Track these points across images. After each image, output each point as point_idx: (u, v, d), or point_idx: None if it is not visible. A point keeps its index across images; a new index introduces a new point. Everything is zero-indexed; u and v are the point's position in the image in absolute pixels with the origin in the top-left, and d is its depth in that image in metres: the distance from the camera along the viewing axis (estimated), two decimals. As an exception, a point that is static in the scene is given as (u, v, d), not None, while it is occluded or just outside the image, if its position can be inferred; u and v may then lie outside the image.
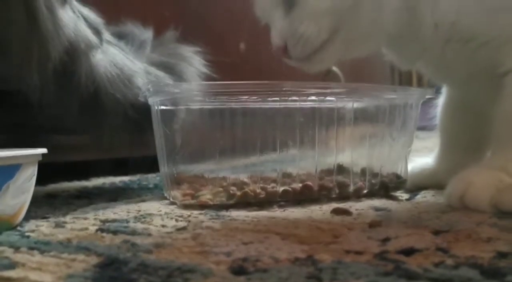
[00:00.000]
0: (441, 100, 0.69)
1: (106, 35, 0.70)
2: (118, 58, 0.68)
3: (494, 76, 0.53)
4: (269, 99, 0.59)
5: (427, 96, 0.67)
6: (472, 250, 0.37)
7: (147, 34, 0.83)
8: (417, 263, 0.34)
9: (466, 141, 0.66)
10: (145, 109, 0.64)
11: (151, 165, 0.79)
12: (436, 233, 0.42)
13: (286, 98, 0.59)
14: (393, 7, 0.55)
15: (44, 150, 0.52)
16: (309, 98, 0.60)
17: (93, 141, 0.71)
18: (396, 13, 0.56)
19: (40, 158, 0.52)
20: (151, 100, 0.62)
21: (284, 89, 0.58)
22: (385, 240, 0.41)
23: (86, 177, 0.89)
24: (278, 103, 0.59)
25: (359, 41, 0.59)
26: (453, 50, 0.55)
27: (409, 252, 0.37)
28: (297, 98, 0.59)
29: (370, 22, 0.56)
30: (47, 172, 0.61)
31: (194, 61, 0.81)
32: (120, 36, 0.77)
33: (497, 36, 0.53)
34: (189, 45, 0.83)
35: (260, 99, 0.58)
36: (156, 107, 0.61)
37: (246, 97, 0.58)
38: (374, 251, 0.37)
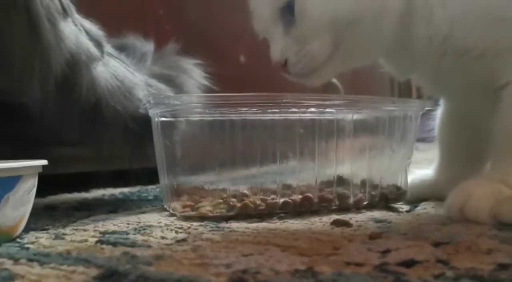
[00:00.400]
0: (439, 112, 0.69)
1: (107, 47, 0.70)
2: (119, 70, 0.69)
3: (490, 89, 0.53)
4: (269, 111, 0.59)
5: (427, 108, 0.67)
6: (472, 262, 0.37)
7: (148, 46, 0.84)
8: (417, 275, 0.34)
9: (465, 152, 0.66)
10: (145, 121, 0.64)
11: (151, 177, 0.80)
12: (436, 245, 0.42)
13: (286, 110, 0.59)
14: (391, 21, 0.56)
15: (44, 162, 0.52)
16: (308, 110, 0.60)
17: (93, 153, 0.71)
18: (393, 27, 0.56)
19: (41, 170, 0.52)
20: (151, 112, 0.62)
21: (283, 101, 0.58)
22: (385, 252, 0.40)
23: (86, 188, 0.89)
24: (278, 115, 0.60)
25: (358, 54, 0.59)
26: (448, 63, 0.55)
27: (409, 264, 0.37)
28: (296, 110, 0.59)
29: (369, 36, 0.56)
30: (47, 183, 0.61)
31: (194, 74, 0.81)
32: (121, 48, 0.77)
33: (491, 49, 0.53)
34: (190, 58, 0.84)
35: (260, 111, 0.59)
36: (156, 119, 0.61)
37: (246, 109, 0.58)
38: (374, 263, 0.37)
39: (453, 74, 0.57)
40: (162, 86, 0.75)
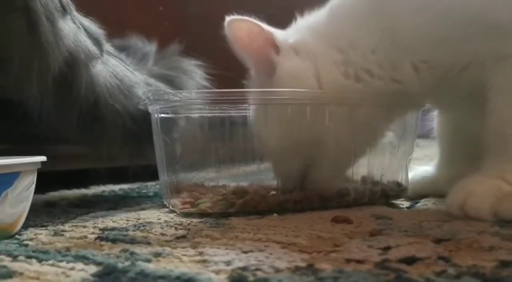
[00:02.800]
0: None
1: (107, 46, 0.70)
2: (119, 69, 0.68)
3: (478, 97, 0.54)
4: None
5: (427, 105, 0.67)
6: (474, 259, 0.36)
7: (150, 47, 0.85)
8: (418, 272, 0.34)
9: (465, 149, 0.65)
10: (145, 120, 0.64)
11: (150, 174, 0.79)
12: (438, 241, 0.42)
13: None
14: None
15: (43, 158, 0.52)
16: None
17: (92, 150, 0.71)
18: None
19: (39, 166, 0.52)
20: (151, 108, 0.62)
21: (284, 97, 0.58)
22: (386, 248, 0.40)
23: (86, 185, 0.89)
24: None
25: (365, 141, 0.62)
26: (436, 80, 0.56)
27: (410, 260, 0.37)
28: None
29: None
30: (47, 180, 0.60)
31: (195, 75, 0.82)
32: (122, 48, 0.78)
33: (475, 59, 0.53)
34: (191, 59, 0.84)
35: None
36: (156, 115, 0.61)
37: (246, 105, 0.58)
38: (375, 260, 0.37)
39: (442, 89, 0.57)
40: (161, 86, 0.75)
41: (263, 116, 0.59)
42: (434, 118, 0.70)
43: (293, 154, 0.59)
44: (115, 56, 0.71)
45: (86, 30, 0.66)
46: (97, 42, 0.67)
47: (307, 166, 0.60)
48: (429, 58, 0.55)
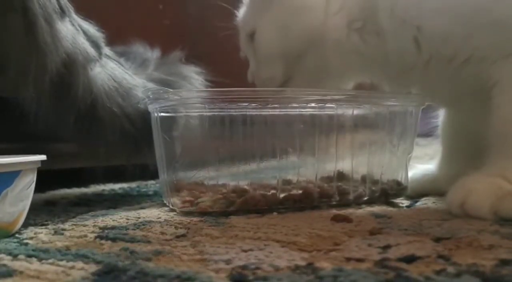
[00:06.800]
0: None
1: (105, 49, 0.70)
2: (117, 72, 0.69)
3: (481, 95, 0.54)
4: (269, 106, 0.59)
5: (427, 103, 0.67)
6: (473, 258, 0.36)
7: (151, 53, 0.85)
8: (418, 271, 0.34)
9: (467, 149, 0.65)
10: (142, 122, 0.64)
11: (148, 174, 0.80)
12: (437, 240, 0.42)
13: (286, 105, 0.59)
14: (338, 50, 0.61)
15: (43, 157, 0.52)
16: (309, 105, 0.60)
17: (89, 151, 0.71)
18: (346, 53, 0.61)
19: (39, 165, 0.52)
20: (150, 107, 0.62)
21: (284, 96, 0.58)
22: (386, 247, 0.40)
23: (86, 183, 0.89)
24: (278, 110, 0.59)
25: (318, 79, 0.64)
26: (436, 70, 0.56)
27: (410, 259, 0.37)
28: (297, 105, 0.59)
29: (318, 66, 0.62)
30: (47, 178, 0.60)
31: (194, 81, 0.82)
32: (122, 53, 0.78)
33: (478, 53, 0.53)
34: (192, 65, 0.85)
35: (260, 106, 0.58)
36: (155, 114, 0.61)
37: (246, 104, 0.58)
38: (375, 259, 0.37)
39: (443, 82, 0.57)
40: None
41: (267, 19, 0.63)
42: (439, 117, 0.70)
43: (279, 60, 0.63)
44: (114, 60, 0.71)
45: (84, 33, 0.66)
46: (95, 45, 0.67)
47: (288, 76, 0.64)
48: (430, 49, 0.55)
